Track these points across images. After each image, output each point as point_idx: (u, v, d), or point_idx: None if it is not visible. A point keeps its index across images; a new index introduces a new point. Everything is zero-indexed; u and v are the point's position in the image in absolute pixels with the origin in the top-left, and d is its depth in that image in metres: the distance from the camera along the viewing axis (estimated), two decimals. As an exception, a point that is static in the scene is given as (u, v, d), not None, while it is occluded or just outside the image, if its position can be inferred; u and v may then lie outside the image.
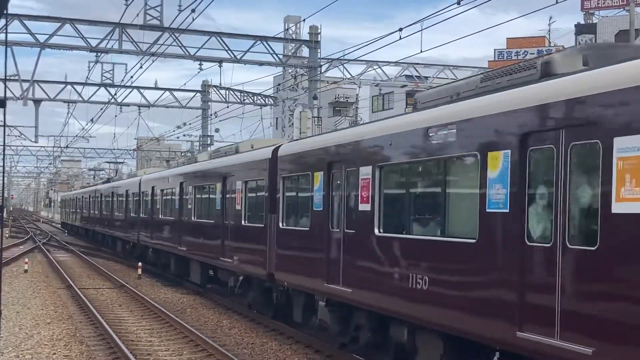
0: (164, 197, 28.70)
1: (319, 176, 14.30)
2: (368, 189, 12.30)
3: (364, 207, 12.42)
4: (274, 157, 16.91)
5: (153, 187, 30.65)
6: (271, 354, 14.70)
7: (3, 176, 10.76)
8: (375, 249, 12.09)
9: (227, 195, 20.15)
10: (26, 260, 32.64)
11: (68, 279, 27.24)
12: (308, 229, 14.79)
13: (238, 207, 19.20)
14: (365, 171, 12.40)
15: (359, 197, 12.59)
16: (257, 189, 18.16)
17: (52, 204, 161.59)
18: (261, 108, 43.67)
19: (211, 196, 21.84)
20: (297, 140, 17.97)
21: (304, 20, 31.34)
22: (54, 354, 14.42)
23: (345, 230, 13.18)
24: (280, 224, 16.33)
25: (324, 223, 13.93)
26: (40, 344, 15.34)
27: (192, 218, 23.70)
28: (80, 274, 30.64)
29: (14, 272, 30.13)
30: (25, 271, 30.04)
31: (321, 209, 14.12)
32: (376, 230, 12.09)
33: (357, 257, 12.71)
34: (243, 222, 18.87)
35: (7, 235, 54.29)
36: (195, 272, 24.26)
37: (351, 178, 12.99)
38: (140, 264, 30.13)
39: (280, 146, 17.13)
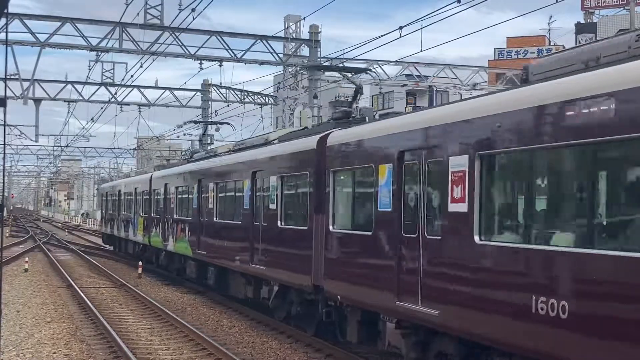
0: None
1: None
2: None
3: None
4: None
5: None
6: (271, 353, 14.72)
7: (3, 175, 10.79)
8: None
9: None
10: (26, 259, 32.69)
11: (68, 278, 27.27)
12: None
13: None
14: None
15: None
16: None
17: (53, 203, 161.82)
18: (261, 107, 43.64)
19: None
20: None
21: (304, 19, 31.32)
22: (55, 352, 14.44)
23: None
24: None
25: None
26: (40, 342, 15.37)
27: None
28: (81, 273, 30.67)
29: (15, 271, 30.16)
30: (26, 270, 30.08)
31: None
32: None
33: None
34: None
35: (7, 235, 54.31)
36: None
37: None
38: (140, 263, 30.18)
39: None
